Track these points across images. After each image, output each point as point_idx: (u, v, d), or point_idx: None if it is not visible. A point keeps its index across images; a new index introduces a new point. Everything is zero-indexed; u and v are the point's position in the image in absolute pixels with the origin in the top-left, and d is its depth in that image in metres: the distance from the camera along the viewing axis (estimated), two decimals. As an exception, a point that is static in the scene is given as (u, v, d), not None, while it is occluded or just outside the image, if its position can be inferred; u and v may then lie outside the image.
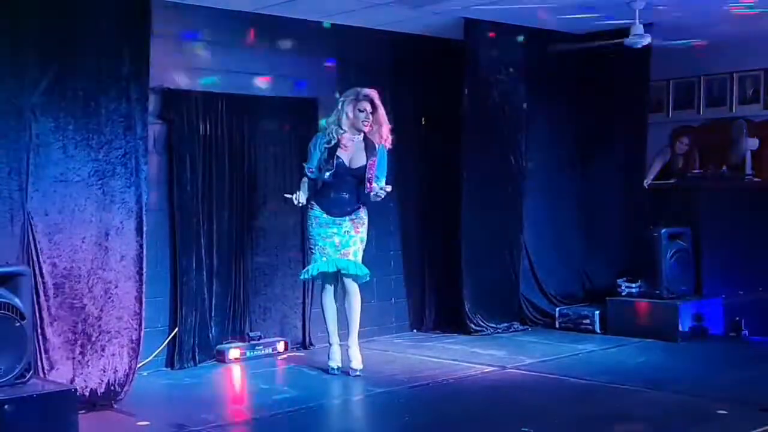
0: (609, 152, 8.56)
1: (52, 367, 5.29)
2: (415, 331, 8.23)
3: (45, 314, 5.26)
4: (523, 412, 5.51)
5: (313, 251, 6.38)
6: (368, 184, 6.25)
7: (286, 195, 6.45)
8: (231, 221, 7.01)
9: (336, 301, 6.58)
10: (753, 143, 8.44)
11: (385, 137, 6.37)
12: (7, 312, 4.76)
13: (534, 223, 8.39)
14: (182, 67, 6.78)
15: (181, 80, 6.75)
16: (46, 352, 5.27)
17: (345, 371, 6.45)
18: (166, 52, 6.55)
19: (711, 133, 8.77)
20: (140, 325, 5.61)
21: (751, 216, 8.22)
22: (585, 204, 8.68)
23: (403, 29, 7.83)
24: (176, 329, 6.69)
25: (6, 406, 4.55)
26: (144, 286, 5.63)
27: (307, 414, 5.49)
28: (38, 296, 5.22)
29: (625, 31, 7.46)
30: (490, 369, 6.56)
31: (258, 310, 7.23)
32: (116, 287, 5.51)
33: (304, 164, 6.43)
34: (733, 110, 8.77)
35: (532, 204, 8.36)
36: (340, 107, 6.35)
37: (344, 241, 6.33)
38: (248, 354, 6.96)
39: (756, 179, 8.40)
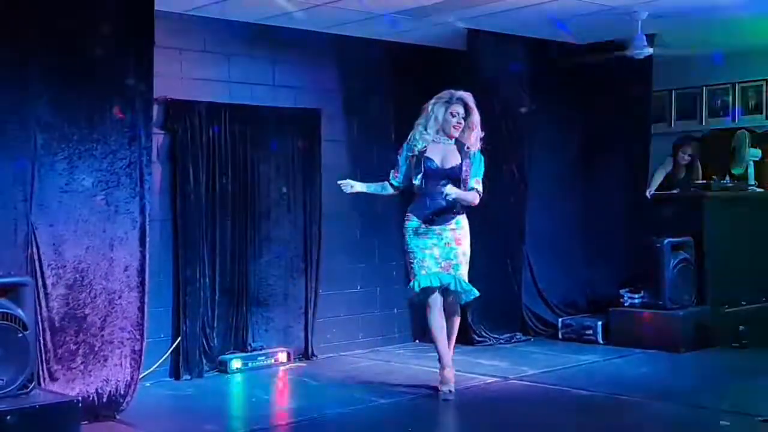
0: (611, 162, 8.56)
1: (53, 378, 5.28)
2: (417, 341, 8.21)
3: (47, 324, 5.26)
4: (526, 423, 5.50)
5: (413, 264, 5.95)
6: (463, 186, 5.91)
7: (339, 182, 6.12)
8: (234, 231, 7.01)
9: (443, 320, 6.07)
10: (755, 153, 8.44)
11: (472, 142, 5.99)
12: (9, 322, 4.77)
13: (537, 234, 8.38)
14: (185, 77, 6.80)
15: (184, 91, 6.76)
16: (48, 362, 5.26)
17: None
18: (170, 63, 6.57)
19: (713, 144, 8.78)
20: (143, 335, 5.61)
21: (753, 226, 8.22)
22: (588, 214, 8.67)
23: (405, 40, 7.85)
24: (179, 339, 6.70)
25: (8, 417, 4.55)
26: (147, 296, 5.63)
27: (309, 425, 5.47)
28: (40, 307, 5.21)
29: (627, 42, 7.48)
30: (493, 380, 6.55)
31: (261, 321, 7.22)
32: (120, 297, 5.51)
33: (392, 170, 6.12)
34: (736, 121, 8.78)
35: (535, 214, 8.34)
36: (430, 109, 5.97)
37: (445, 253, 5.93)
38: (250, 364, 6.95)
39: (758, 189, 8.40)
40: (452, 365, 6.05)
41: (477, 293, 5.98)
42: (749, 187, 8.36)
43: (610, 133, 8.54)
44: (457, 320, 6.13)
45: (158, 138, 6.54)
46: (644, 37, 7.38)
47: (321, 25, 7.30)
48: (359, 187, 6.13)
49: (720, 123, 8.88)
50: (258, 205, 7.15)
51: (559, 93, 8.46)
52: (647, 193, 8.33)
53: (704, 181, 8.31)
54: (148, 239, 5.63)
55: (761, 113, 8.66)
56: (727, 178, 8.36)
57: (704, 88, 8.96)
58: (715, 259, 7.95)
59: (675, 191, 8.34)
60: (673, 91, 9.11)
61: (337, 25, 7.29)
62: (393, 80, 8.06)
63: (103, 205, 5.46)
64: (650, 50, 7.49)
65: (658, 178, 8.49)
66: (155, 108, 6.12)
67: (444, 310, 6.04)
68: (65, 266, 5.33)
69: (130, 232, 5.56)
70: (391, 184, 6.13)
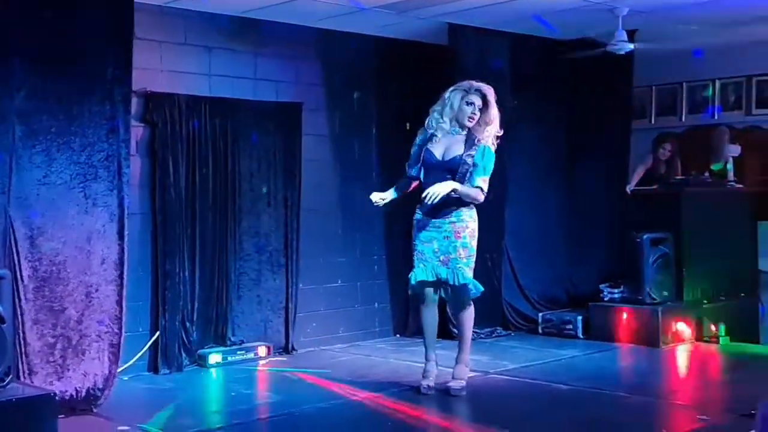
0: (592, 158, 8.57)
1: (31, 371, 5.24)
2: (398, 336, 8.22)
3: (25, 318, 5.22)
4: (506, 417, 5.50)
5: (414, 257, 5.83)
6: (461, 177, 5.65)
7: (371, 197, 5.88)
8: (214, 225, 6.98)
9: (434, 315, 5.99)
10: (735, 150, 8.48)
11: (484, 136, 5.74)
12: (-14, 316, 4.75)
13: (517, 229, 8.39)
14: (165, 70, 6.76)
15: (165, 84, 6.73)
16: (26, 355, 5.23)
17: (444, 390, 5.91)
18: (150, 56, 6.53)
19: (693, 140, 8.82)
20: (121, 329, 5.58)
21: (732, 222, 8.26)
22: (568, 209, 8.69)
23: (388, 34, 7.84)
24: (157, 333, 6.67)
25: (-15, 411, 4.53)
26: (125, 289, 5.60)
27: (288, 419, 5.46)
28: (19, 300, 5.18)
29: (608, 37, 7.49)
30: (473, 374, 6.52)
31: (240, 315, 7.20)
32: (97, 291, 5.48)
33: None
34: (715, 117, 8.82)
35: (516, 210, 8.35)
36: (447, 97, 5.77)
37: (444, 246, 5.72)
38: (230, 358, 6.93)
39: (738, 185, 8.44)
40: (434, 359, 6.01)
41: (480, 288, 5.75)
42: (729, 184, 8.40)
43: (591, 128, 8.56)
44: (463, 316, 5.86)
45: (138, 131, 6.51)
46: (625, 33, 7.40)
47: (303, 19, 7.27)
48: (389, 195, 5.92)
49: (700, 119, 8.92)
50: (238, 199, 7.12)
51: (541, 88, 8.46)
52: (627, 189, 8.36)
53: (684, 177, 8.35)
54: (126, 232, 5.60)
55: (741, 109, 8.70)
56: (707, 174, 8.40)
57: (684, 84, 9.00)
58: (694, 254, 7.99)
59: (655, 187, 8.37)
60: (654, 87, 9.14)
61: (319, 19, 7.27)
62: (375, 75, 8.05)
63: (80, 197, 5.43)
64: (631, 46, 7.52)
65: (638, 174, 8.52)
66: (135, 101, 6.08)
67: (449, 304, 5.94)
68: (42, 259, 5.29)
69: (108, 225, 5.52)
70: (409, 176, 5.95)
